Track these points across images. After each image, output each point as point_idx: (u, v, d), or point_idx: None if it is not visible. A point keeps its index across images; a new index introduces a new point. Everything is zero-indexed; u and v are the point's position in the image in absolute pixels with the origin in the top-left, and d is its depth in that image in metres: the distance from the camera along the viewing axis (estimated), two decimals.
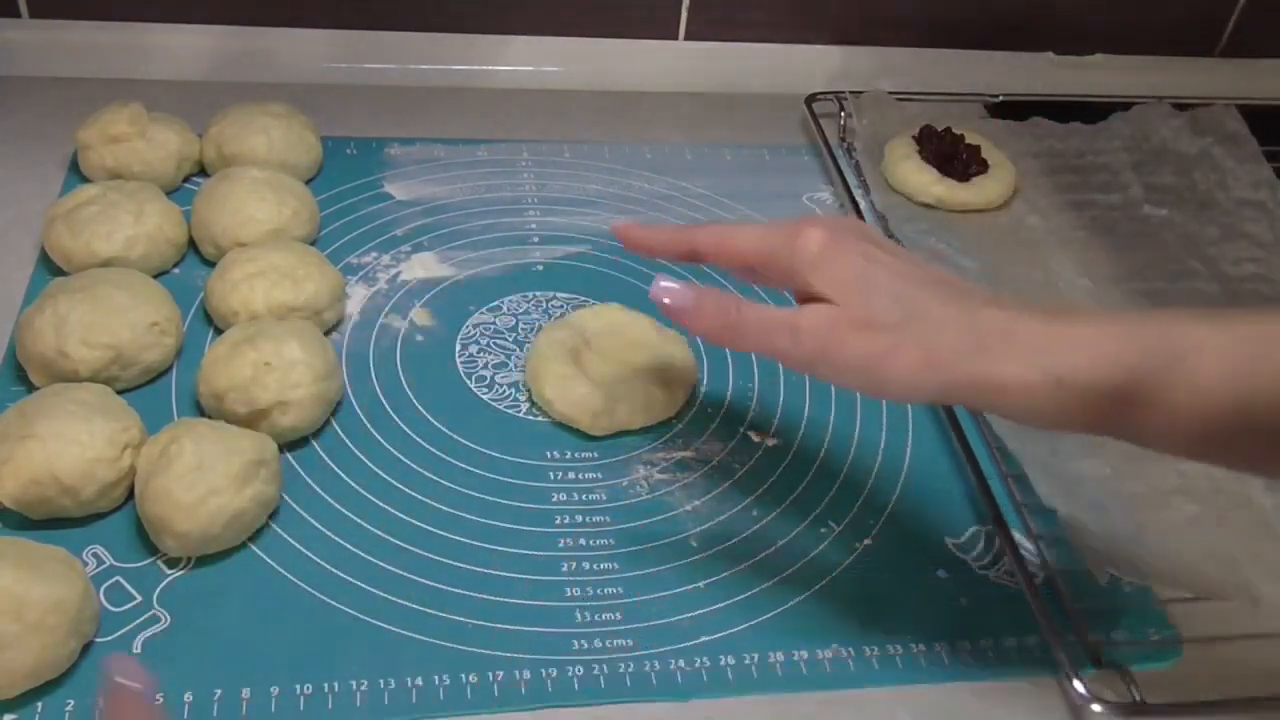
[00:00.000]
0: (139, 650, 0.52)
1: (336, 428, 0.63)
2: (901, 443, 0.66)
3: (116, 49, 0.88)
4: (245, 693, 0.50)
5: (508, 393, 0.67)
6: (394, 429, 0.63)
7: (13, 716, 0.49)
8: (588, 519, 0.60)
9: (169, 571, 0.55)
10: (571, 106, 0.92)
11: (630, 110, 0.92)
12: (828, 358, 0.46)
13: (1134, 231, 0.82)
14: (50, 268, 0.70)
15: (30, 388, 0.62)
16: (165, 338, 0.64)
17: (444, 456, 0.62)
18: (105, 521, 0.57)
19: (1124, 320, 0.45)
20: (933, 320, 0.45)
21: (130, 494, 0.57)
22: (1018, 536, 0.59)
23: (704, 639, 0.55)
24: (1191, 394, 0.43)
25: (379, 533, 0.58)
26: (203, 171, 0.79)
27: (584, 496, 0.61)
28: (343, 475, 0.61)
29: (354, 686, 0.51)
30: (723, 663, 0.54)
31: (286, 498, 0.59)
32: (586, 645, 0.54)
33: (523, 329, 0.71)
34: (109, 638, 0.52)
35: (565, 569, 0.57)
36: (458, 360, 0.68)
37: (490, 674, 0.52)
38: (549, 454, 0.63)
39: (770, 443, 0.65)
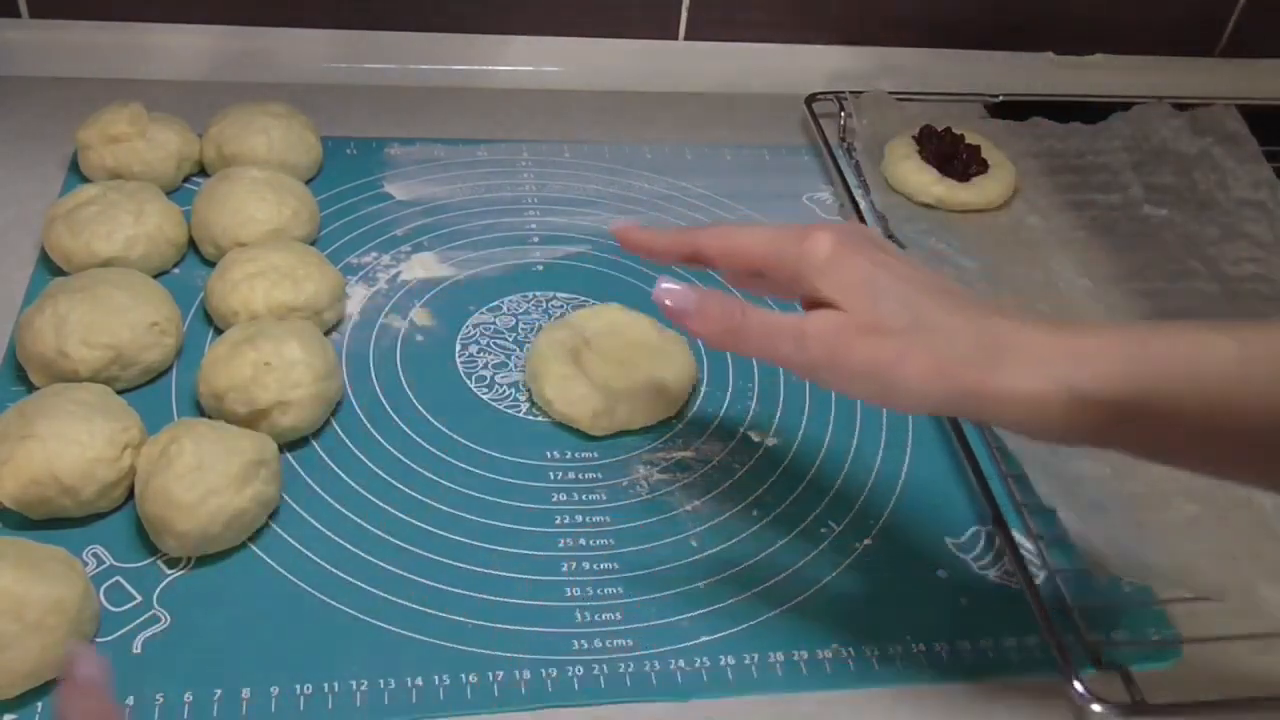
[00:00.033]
0: (139, 650, 0.52)
1: (336, 428, 0.63)
2: (901, 443, 0.66)
3: (116, 49, 0.88)
4: (245, 693, 0.50)
5: (508, 393, 0.67)
6: (394, 429, 0.63)
7: (13, 716, 0.49)
8: (588, 519, 0.60)
9: (169, 571, 0.55)
10: (571, 106, 0.92)
11: (630, 110, 0.92)
12: (834, 364, 0.45)
13: (1134, 231, 0.82)
14: (50, 268, 0.70)
15: (30, 388, 0.62)
16: (165, 338, 0.64)
17: (444, 456, 0.62)
18: (105, 521, 0.57)
19: (1138, 331, 0.44)
20: (942, 328, 0.44)
21: (130, 494, 0.57)
22: (1018, 536, 0.59)
23: (704, 639, 0.55)
24: (1209, 407, 0.42)
25: (379, 533, 0.58)
26: (203, 171, 0.79)
27: (584, 496, 0.61)
28: (343, 475, 0.61)
29: (354, 686, 0.51)
30: (723, 663, 0.54)
31: (286, 498, 0.59)
32: (586, 645, 0.54)
33: (523, 329, 0.71)
34: (109, 638, 0.52)
35: (565, 569, 0.57)
36: (458, 360, 0.68)
37: (490, 674, 0.52)
38: (549, 454, 0.63)
39: (770, 443, 0.65)
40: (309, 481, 0.60)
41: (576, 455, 0.63)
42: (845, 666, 0.54)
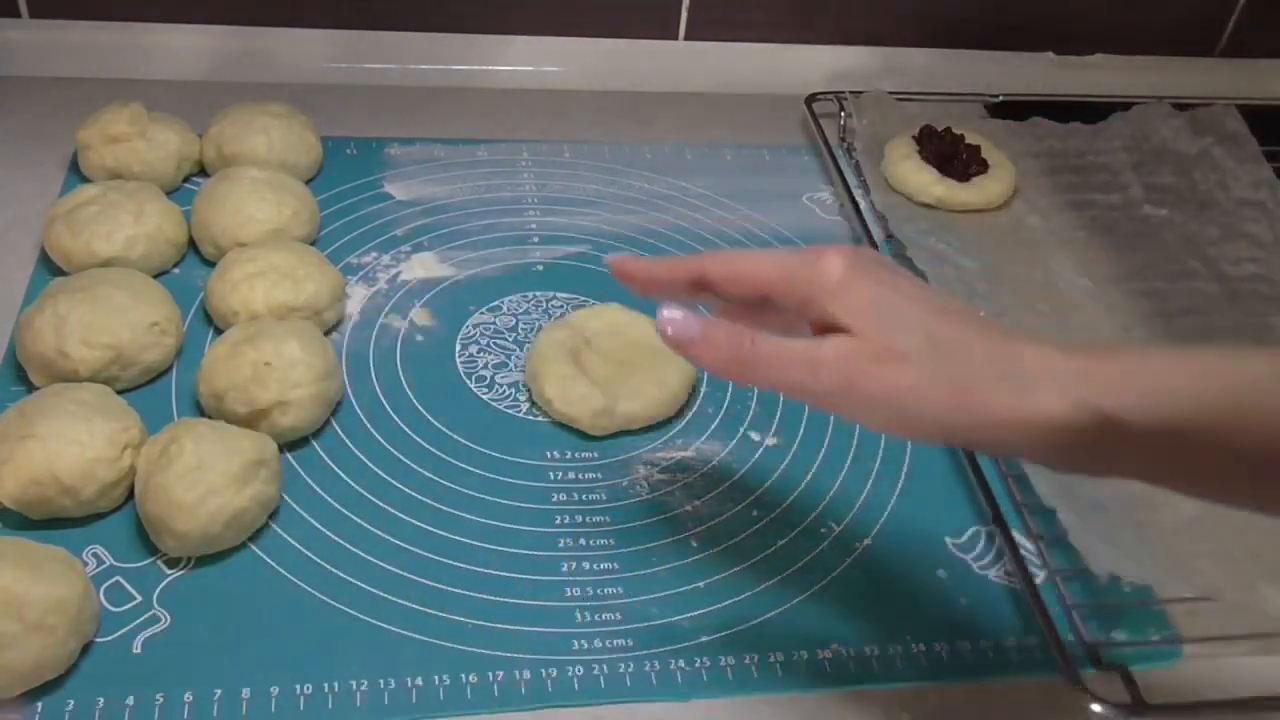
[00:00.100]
0: (139, 650, 0.52)
1: (336, 428, 0.63)
2: (902, 443, 0.66)
3: (116, 49, 0.88)
4: (245, 693, 0.50)
5: (508, 393, 0.67)
6: (394, 429, 0.63)
7: (13, 717, 0.49)
8: (588, 519, 0.60)
9: (169, 571, 0.55)
10: (571, 106, 0.92)
11: (630, 110, 0.92)
12: (850, 392, 0.43)
13: (1134, 231, 0.82)
14: (50, 268, 0.70)
15: (30, 388, 0.62)
16: (165, 338, 0.64)
17: (444, 456, 0.62)
18: (105, 521, 0.57)
19: (1173, 354, 0.42)
20: (962, 353, 0.42)
21: (130, 494, 0.57)
22: (1018, 536, 0.59)
23: (704, 639, 0.55)
24: (1248, 436, 0.40)
25: (379, 533, 0.58)
26: (203, 171, 0.79)
27: (584, 496, 0.61)
28: (343, 475, 0.61)
29: (354, 686, 0.51)
30: (723, 663, 0.54)
31: (286, 498, 0.59)
32: (586, 645, 0.54)
33: (523, 329, 0.71)
34: (109, 638, 0.52)
35: (565, 569, 0.57)
36: (458, 360, 0.68)
37: (490, 674, 0.52)
38: (549, 454, 0.63)
39: (770, 443, 0.65)
40: (309, 481, 0.60)
41: (576, 455, 0.63)
42: (845, 666, 0.54)
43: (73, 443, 0.55)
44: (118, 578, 0.54)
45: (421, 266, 0.74)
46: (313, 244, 0.74)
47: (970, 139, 0.86)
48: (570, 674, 0.53)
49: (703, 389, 0.68)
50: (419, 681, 0.52)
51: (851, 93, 0.90)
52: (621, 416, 0.64)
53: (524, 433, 0.64)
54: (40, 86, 0.86)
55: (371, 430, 0.63)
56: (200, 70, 0.89)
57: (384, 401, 0.65)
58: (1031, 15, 0.98)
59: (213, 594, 0.54)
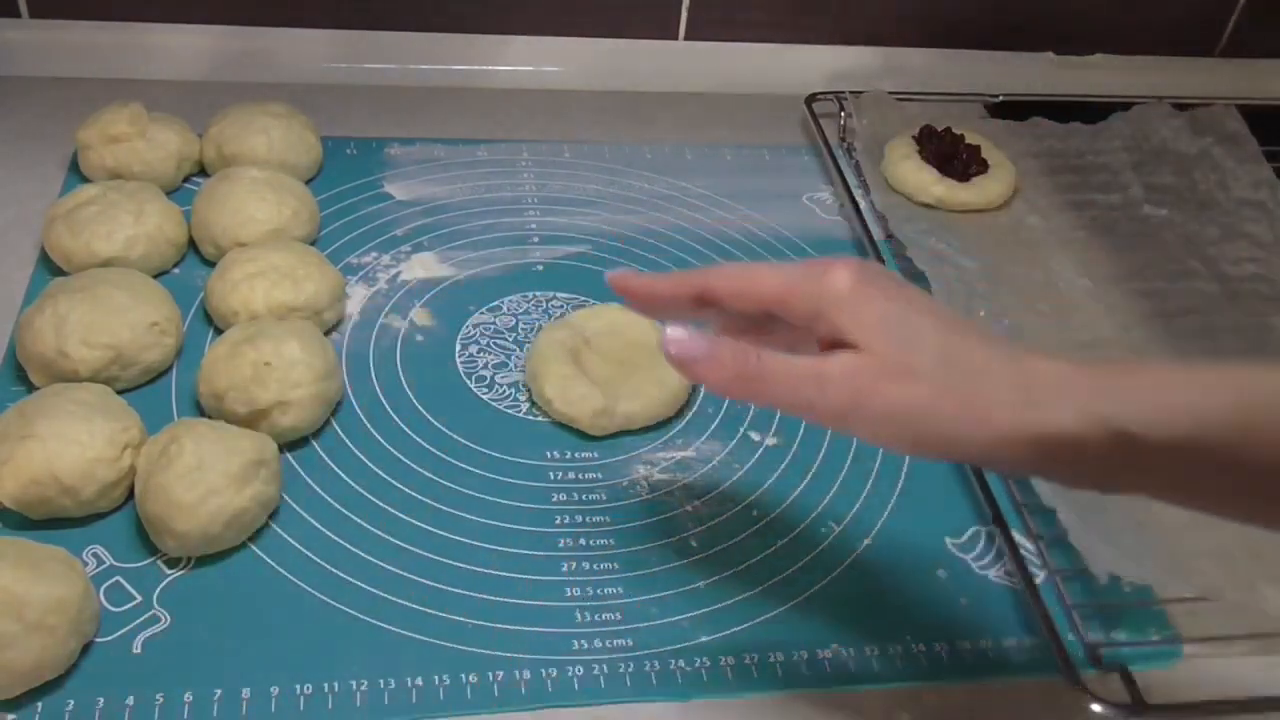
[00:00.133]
0: (139, 650, 0.52)
1: (336, 428, 0.63)
2: None
3: (116, 49, 0.88)
4: (245, 693, 0.50)
5: (508, 393, 0.67)
6: (394, 429, 0.63)
7: (13, 716, 0.49)
8: (588, 519, 0.60)
9: (169, 571, 0.55)
10: (571, 106, 0.92)
11: (630, 110, 0.92)
12: (859, 409, 0.42)
13: (1134, 231, 0.82)
14: (50, 268, 0.70)
15: (30, 388, 0.62)
16: (165, 338, 0.64)
17: (444, 456, 0.62)
18: (105, 521, 0.57)
19: (1185, 369, 0.42)
20: (974, 368, 0.41)
21: (130, 494, 0.57)
22: (1018, 536, 0.59)
23: (704, 639, 0.55)
24: (1261, 450, 0.39)
25: (379, 533, 0.58)
26: (203, 171, 0.79)
27: (584, 496, 0.61)
28: (343, 475, 0.61)
29: (354, 686, 0.51)
30: (723, 663, 0.54)
31: (286, 498, 0.59)
32: (586, 645, 0.54)
33: (523, 329, 0.71)
34: (109, 638, 0.52)
35: (565, 569, 0.57)
36: (458, 360, 0.68)
37: (490, 674, 0.52)
38: (549, 454, 0.63)
39: (770, 443, 0.65)
40: (309, 481, 0.60)
41: (576, 455, 0.63)
42: (845, 666, 0.54)
43: (73, 443, 0.55)
44: (118, 578, 0.54)
45: (421, 266, 0.75)
46: (313, 244, 0.74)
47: (970, 139, 0.86)
48: (570, 674, 0.53)
49: (702, 389, 0.68)
50: (419, 681, 0.52)
51: (851, 93, 0.90)
52: (621, 416, 0.64)
53: (524, 433, 0.64)
54: (40, 86, 0.86)
55: (371, 430, 0.63)
56: (200, 70, 0.89)
57: (384, 401, 0.65)
58: (1031, 15, 0.98)
59: (213, 594, 0.54)
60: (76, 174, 0.77)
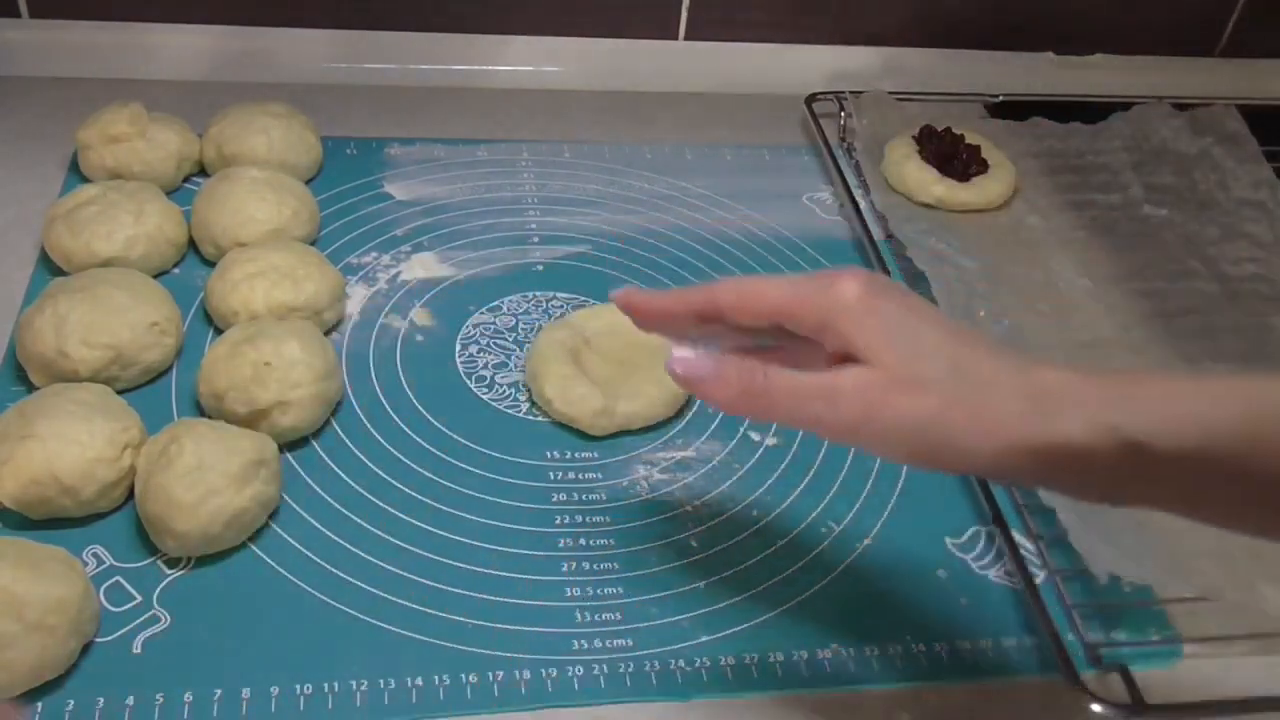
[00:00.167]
0: (139, 650, 0.52)
1: (336, 428, 0.63)
2: None
3: (116, 49, 0.88)
4: (245, 693, 0.50)
5: (508, 393, 0.67)
6: (394, 429, 0.63)
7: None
8: (588, 519, 0.60)
9: (169, 571, 0.55)
10: (571, 106, 0.92)
11: (630, 110, 0.92)
12: (870, 422, 0.41)
13: (1134, 231, 0.82)
14: (50, 268, 0.70)
15: (30, 388, 0.62)
16: (165, 338, 0.64)
17: (444, 456, 0.62)
18: (105, 521, 0.57)
19: (1196, 379, 0.41)
20: (984, 378, 0.41)
21: (130, 494, 0.57)
22: (1018, 536, 0.59)
23: (704, 639, 0.55)
24: (1271, 461, 0.39)
25: (379, 533, 0.58)
26: (203, 171, 0.79)
27: (584, 496, 0.61)
28: (343, 475, 0.61)
29: (354, 686, 0.51)
30: (723, 663, 0.54)
31: (286, 498, 0.59)
32: (586, 645, 0.54)
33: (523, 329, 0.71)
34: (109, 638, 0.52)
35: (565, 569, 0.57)
36: (458, 360, 0.68)
37: (490, 674, 0.52)
38: (549, 454, 0.63)
39: (770, 443, 0.65)
40: (309, 481, 0.60)
41: (576, 455, 0.63)
42: (845, 666, 0.54)
43: (73, 443, 0.55)
44: (118, 578, 0.54)
45: (421, 266, 0.74)
46: (313, 244, 0.74)
47: (970, 139, 0.86)
48: (570, 674, 0.53)
49: None
50: (419, 681, 0.52)
51: (851, 93, 0.90)
52: (621, 416, 0.64)
53: (524, 433, 0.64)
54: (40, 86, 0.86)
55: (371, 430, 0.63)
56: (200, 70, 0.89)
57: (384, 401, 0.65)
58: (1031, 15, 0.98)
59: (213, 594, 0.54)
60: (76, 174, 0.77)
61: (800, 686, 0.53)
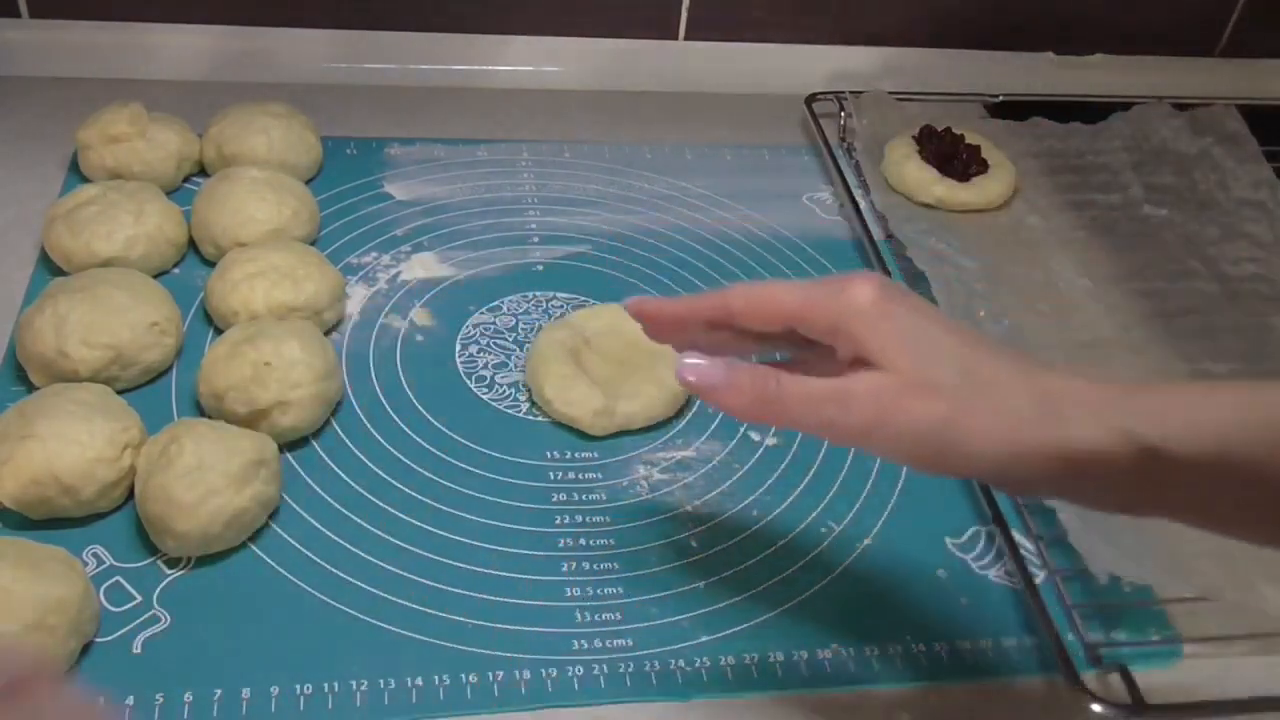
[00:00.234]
0: (139, 650, 0.52)
1: (336, 428, 0.63)
2: None
3: (116, 49, 0.88)
4: (245, 693, 0.50)
5: (508, 393, 0.67)
6: (394, 429, 0.63)
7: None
8: (588, 519, 0.60)
9: (169, 571, 0.55)
10: (571, 106, 0.92)
11: (630, 110, 0.92)
12: (882, 426, 0.41)
13: (1134, 231, 0.82)
14: (50, 268, 0.70)
15: (30, 388, 0.62)
16: (165, 338, 0.64)
17: (444, 456, 0.62)
18: (105, 521, 0.57)
19: (1212, 386, 0.41)
20: (998, 382, 0.41)
21: (130, 494, 0.57)
22: (1018, 536, 0.59)
23: (704, 639, 0.55)
24: None
25: (379, 533, 0.58)
26: (203, 171, 0.79)
27: (584, 496, 0.61)
28: (343, 475, 0.61)
29: (354, 686, 0.51)
30: (723, 663, 0.54)
31: (286, 498, 0.59)
32: (586, 645, 0.54)
33: (523, 329, 0.71)
34: (109, 638, 0.52)
35: (565, 569, 0.57)
36: (458, 360, 0.68)
37: (490, 674, 0.52)
38: (549, 454, 0.63)
39: (770, 443, 0.65)
40: (309, 481, 0.60)
41: (576, 455, 0.63)
42: (845, 666, 0.54)
43: (73, 443, 0.55)
44: (118, 578, 0.54)
45: (421, 266, 0.74)
46: (313, 244, 0.74)
47: (970, 139, 0.86)
48: (570, 674, 0.53)
49: None
50: (419, 681, 0.52)
51: (851, 93, 0.90)
52: (621, 416, 0.64)
53: (524, 433, 0.64)
54: (40, 86, 0.86)
55: (371, 430, 0.63)
56: (200, 70, 0.89)
57: (384, 401, 0.65)
58: (1031, 15, 0.98)
59: (213, 594, 0.54)
60: (76, 174, 0.77)
61: (800, 686, 0.53)
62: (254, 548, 0.57)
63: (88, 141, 0.75)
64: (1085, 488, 0.42)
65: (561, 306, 0.72)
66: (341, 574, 0.56)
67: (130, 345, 0.62)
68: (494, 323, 0.71)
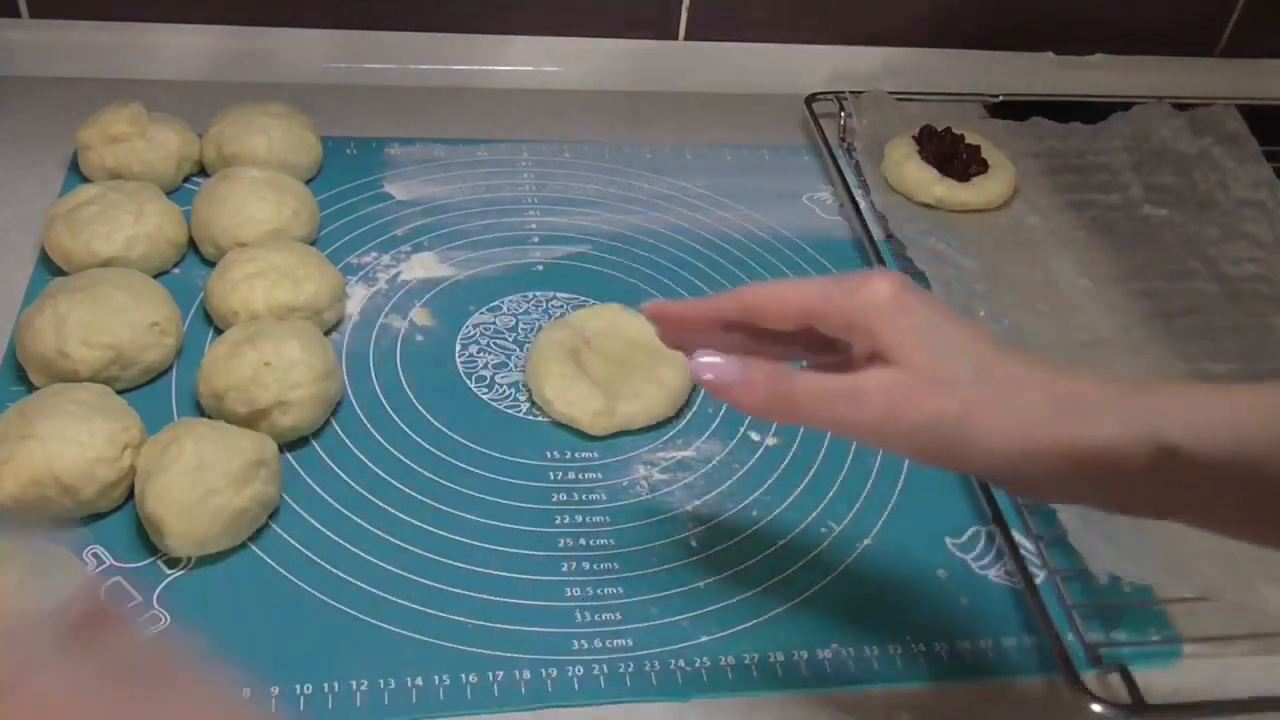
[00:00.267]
0: None
1: (336, 428, 0.63)
2: None
3: (116, 49, 0.88)
4: (245, 693, 0.50)
5: (508, 393, 0.67)
6: (394, 429, 0.63)
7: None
8: (588, 519, 0.60)
9: (169, 571, 0.55)
10: (571, 106, 0.92)
11: (630, 110, 0.92)
12: (895, 422, 0.41)
13: (1134, 231, 0.82)
14: (50, 268, 0.70)
15: (30, 388, 0.62)
16: (165, 338, 0.64)
17: (444, 456, 0.62)
18: (105, 521, 0.57)
19: (1229, 389, 0.41)
20: (1013, 380, 0.41)
21: (130, 494, 0.57)
22: (1018, 536, 0.59)
23: (704, 639, 0.55)
24: None
25: (379, 533, 0.58)
26: (203, 171, 0.79)
27: (584, 496, 0.61)
28: (343, 475, 0.61)
29: (354, 686, 0.51)
30: (723, 663, 0.54)
31: (286, 498, 0.59)
32: (586, 645, 0.54)
33: (523, 329, 0.71)
34: None
35: (565, 569, 0.57)
36: (458, 360, 0.68)
37: (490, 674, 0.52)
38: (549, 454, 0.63)
39: (770, 443, 0.65)
40: (309, 481, 0.60)
41: (576, 455, 0.63)
42: (845, 666, 0.54)
43: (73, 443, 0.55)
44: (118, 578, 0.54)
45: (421, 266, 0.74)
46: (313, 244, 0.74)
47: (970, 139, 0.86)
48: (570, 674, 0.53)
49: (703, 389, 0.68)
50: (419, 681, 0.52)
51: (851, 93, 0.90)
52: (621, 416, 0.64)
53: (524, 433, 0.64)
54: (40, 86, 0.86)
55: (371, 430, 0.63)
56: (200, 70, 0.89)
57: (384, 401, 0.65)
58: (1031, 15, 0.98)
59: (213, 594, 0.54)
60: (76, 174, 0.77)
61: (800, 686, 0.53)
62: (254, 548, 0.57)
63: (88, 141, 0.75)
64: (1096, 487, 0.41)
65: (561, 306, 0.73)
66: (341, 574, 0.56)
67: (130, 345, 0.62)
68: (494, 323, 0.71)
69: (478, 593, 0.56)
